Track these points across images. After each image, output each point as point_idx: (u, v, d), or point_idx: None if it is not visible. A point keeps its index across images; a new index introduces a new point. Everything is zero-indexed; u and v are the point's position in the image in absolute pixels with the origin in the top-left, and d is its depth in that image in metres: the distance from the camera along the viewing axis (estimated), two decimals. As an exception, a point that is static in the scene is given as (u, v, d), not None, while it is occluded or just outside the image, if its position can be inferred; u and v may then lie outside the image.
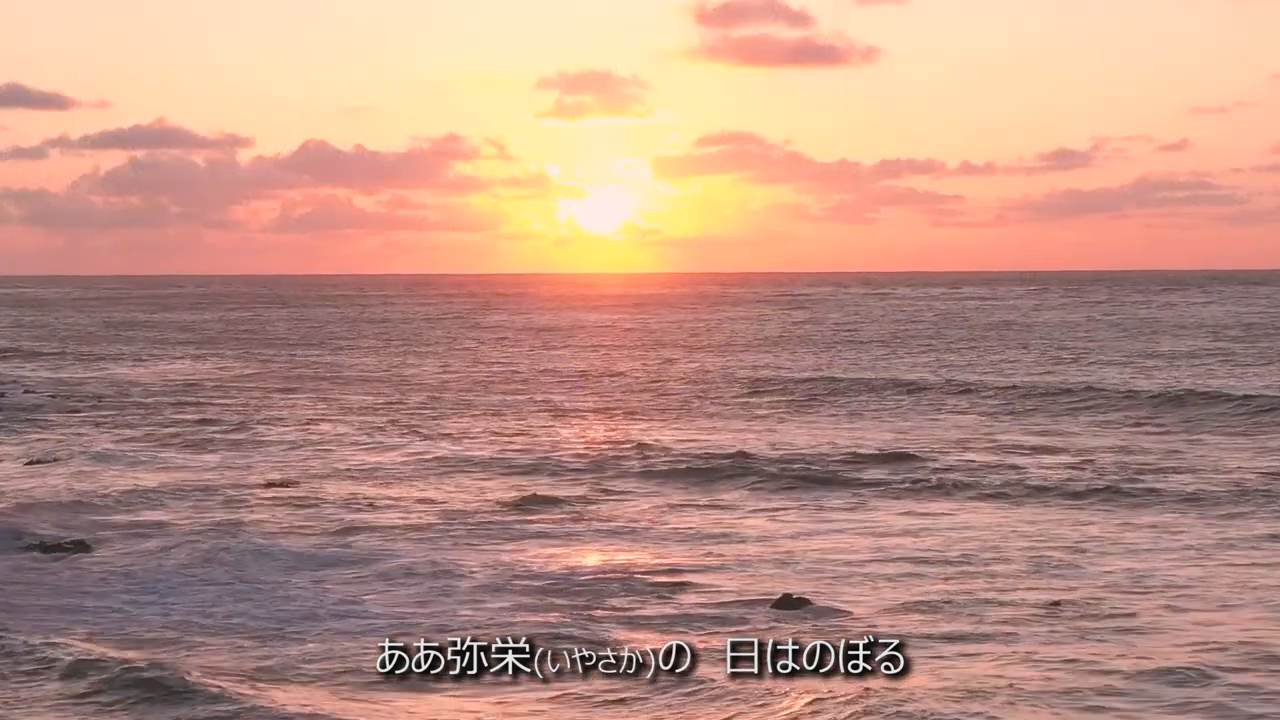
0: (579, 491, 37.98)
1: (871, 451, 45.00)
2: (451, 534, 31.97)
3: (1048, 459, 43.31)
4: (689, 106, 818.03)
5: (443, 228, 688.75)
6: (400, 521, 33.26)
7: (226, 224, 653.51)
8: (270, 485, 38.61)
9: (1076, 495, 36.51)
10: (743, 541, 31.03)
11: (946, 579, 26.80)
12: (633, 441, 47.65)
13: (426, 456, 44.36)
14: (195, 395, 66.03)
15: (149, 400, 63.66)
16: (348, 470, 41.57)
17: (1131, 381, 67.54)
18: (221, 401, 62.61)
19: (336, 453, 45.48)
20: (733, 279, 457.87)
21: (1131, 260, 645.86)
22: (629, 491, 38.21)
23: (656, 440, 48.04)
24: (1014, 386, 65.27)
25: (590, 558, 29.45)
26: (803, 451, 44.94)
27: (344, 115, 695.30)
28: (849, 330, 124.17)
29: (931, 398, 62.12)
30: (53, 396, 65.77)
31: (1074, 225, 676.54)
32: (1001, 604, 24.80)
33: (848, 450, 45.48)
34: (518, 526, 32.86)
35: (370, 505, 35.53)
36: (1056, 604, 24.69)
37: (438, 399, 63.62)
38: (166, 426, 52.89)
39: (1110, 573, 27.39)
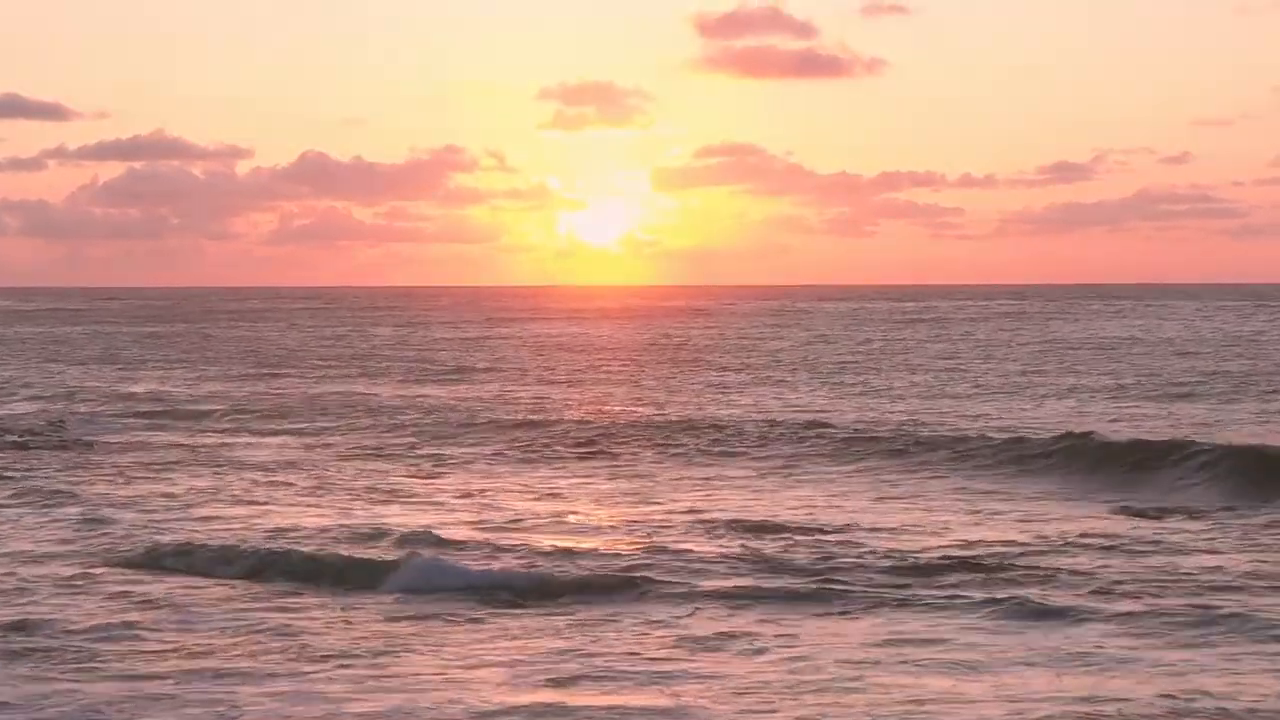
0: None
1: (946, 550, 37.61)
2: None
3: (1156, 559, 37.15)
4: (690, 118, 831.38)
5: (442, 239, 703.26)
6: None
7: (225, 235, 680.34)
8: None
9: (1200, 621, 29.10)
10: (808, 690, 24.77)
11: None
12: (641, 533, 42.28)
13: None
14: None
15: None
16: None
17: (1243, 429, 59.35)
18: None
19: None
20: (728, 292, 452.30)
21: (1130, 274, 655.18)
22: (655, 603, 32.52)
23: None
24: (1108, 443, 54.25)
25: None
26: (826, 542, 39.11)
27: (343, 127, 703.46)
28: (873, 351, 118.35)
29: (991, 455, 55.56)
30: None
31: (1074, 238, 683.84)
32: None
33: (916, 546, 38.77)
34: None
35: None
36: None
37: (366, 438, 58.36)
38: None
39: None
